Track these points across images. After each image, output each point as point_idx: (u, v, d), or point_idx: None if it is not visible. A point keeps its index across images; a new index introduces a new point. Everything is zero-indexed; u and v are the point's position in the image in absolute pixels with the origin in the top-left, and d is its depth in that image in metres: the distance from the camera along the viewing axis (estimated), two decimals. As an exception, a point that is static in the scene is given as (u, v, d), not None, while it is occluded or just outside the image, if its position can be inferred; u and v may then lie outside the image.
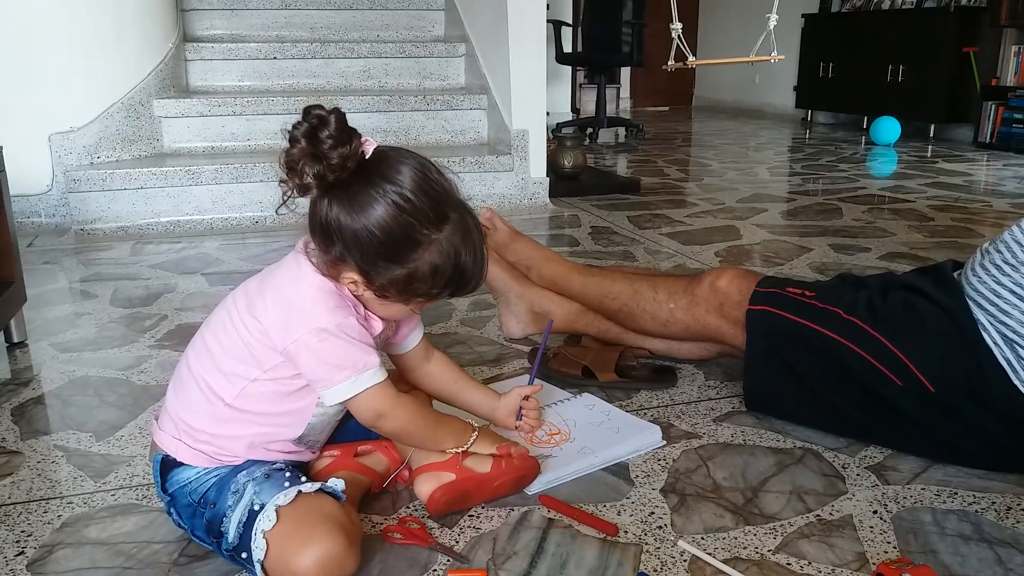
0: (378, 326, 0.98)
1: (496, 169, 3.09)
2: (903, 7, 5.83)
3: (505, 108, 3.18)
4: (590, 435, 1.24)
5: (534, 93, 3.13)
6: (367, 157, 0.89)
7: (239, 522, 0.90)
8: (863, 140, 5.36)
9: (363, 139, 0.89)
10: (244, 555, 0.89)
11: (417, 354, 1.12)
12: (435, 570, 0.94)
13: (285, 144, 0.87)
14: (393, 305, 0.96)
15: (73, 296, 2.07)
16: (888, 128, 5.09)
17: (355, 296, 0.95)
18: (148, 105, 3.00)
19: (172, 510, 0.98)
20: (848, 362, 1.20)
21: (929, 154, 4.70)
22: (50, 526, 1.04)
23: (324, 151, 0.85)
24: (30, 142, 2.75)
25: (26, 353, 1.66)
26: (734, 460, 1.19)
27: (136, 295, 2.04)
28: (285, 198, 0.89)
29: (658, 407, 1.38)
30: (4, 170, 1.62)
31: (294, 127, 0.86)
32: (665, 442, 1.24)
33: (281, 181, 0.88)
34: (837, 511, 1.06)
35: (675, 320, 1.42)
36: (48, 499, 1.10)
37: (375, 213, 0.87)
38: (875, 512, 1.05)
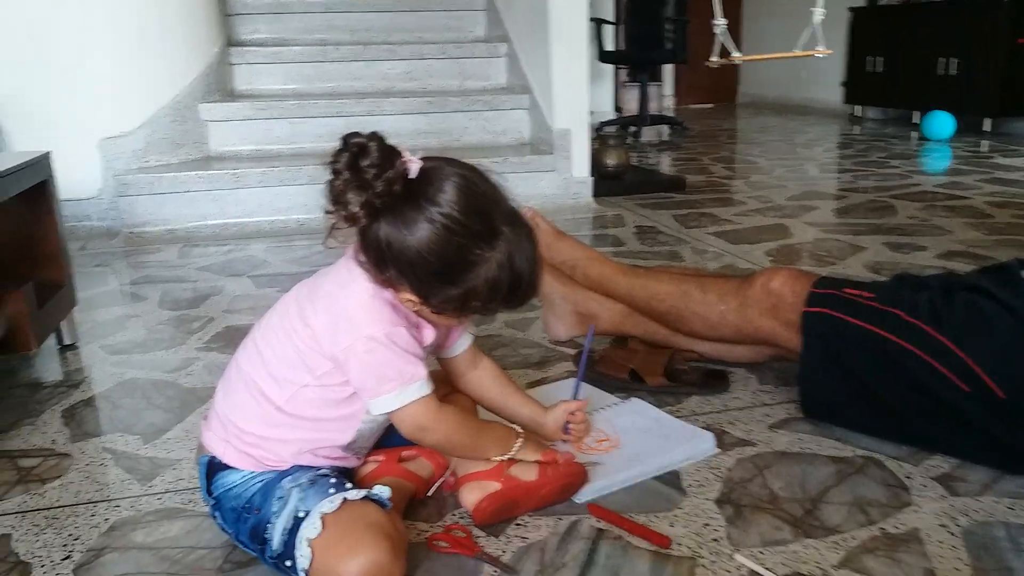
0: (429, 335, 0.97)
1: (538, 169, 3.07)
2: (956, -2, 5.66)
3: (547, 107, 3.15)
4: (640, 442, 1.20)
5: (576, 91, 3.10)
6: (412, 176, 0.87)
7: (284, 529, 0.89)
8: (914, 136, 5.21)
9: (405, 158, 0.87)
10: (288, 563, 0.88)
11: (465, 359, 1.10)
12: (483, 581, 0.92)
13: (328, 175, 0.86)
14: (443, 317, 0.95)
15: (122, 299, 2.10)
16: (942, 123, 4.94)
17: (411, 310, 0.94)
18: (194, 109, 3.03)
19: (217, 514, 0.97)
20: (910, 367, 1.15)
21: (985, 149, 4.55)
22: (97, 530, 1.04)
23: (368, 180, 0.84)
24: (80, 147, 2.79)
25: (77, 355, 1.68)
26: (792, 469, 1.15)
27: (184, 297, 2.05)
28: (333, 229, 0.88)
29: (710, 413, 1.33)
30: (53, 176, 1.64)
31: (334, 158, 0.85)
32: (719, 450, 1.20)
33: (326, 212, 0.87)
34: (902, 524, 1.01)
35: (726, 323, 1.38)
36: (95, 502, 1.11)
37: (426, 239, 0.86)
38: (943, 526, 1.00)
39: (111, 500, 1.11)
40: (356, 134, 0.86)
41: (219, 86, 3.21)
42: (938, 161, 4.20)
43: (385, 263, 0.88)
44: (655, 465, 1.14)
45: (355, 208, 0.84)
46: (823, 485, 1.10)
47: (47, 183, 1.62)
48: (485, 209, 0.88)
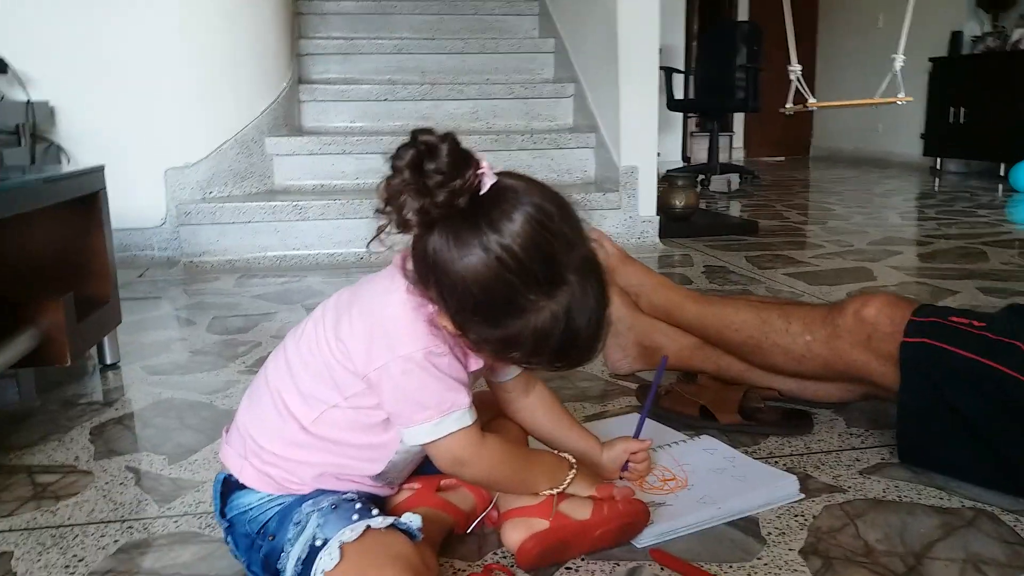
0: (476, 362, 0.84)
1: (603, 207, 2.96)
2: (1045, 47, 5.43)
3: (614, 145, 3.06)
4: (711, 483, 1.06)
5: (644, 128, 3.01)
6: (482, 192, 0.75)
7: (298, 559, 0.78)
8: (1000, 188, 4.95)
9: (480, 169, 0.75)
10: None
11: (516, 385, 0.97)
12: (524, 630, 0.79)
13: (386, 171, 0.75)
14: (486, 356, 0.83)
15: (172, 322, 2.05)
16: (1032, 173, 4.68)
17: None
18: (260, 143, 3.03)
19: (229, 538, 0.86)
20: (1031, 406, 0.99)
21: (1080, 201, 4.27)
22: (104, 551, 0.95)
23: (429, 187, 0.72)
24: (147, 177, 2.81)
25: (117, 374, 1.62)
26: (889, 519, 0.99)
27: (234, 323, 1.99)
28: (380, 231, 0.76)
29: (791, 455, 1.18)
30: (105, 189, 1.60)
31: (397, 153, 0.74)
32: (803, 495, 1.05)
33: (377, 211, 0.76)
34: (1029, 588, 0.84)
35: (812, 355, 1.23)
36: (108, 522, 1.01)
37: (474, 267, 0.73)
38: (1080, 592, 0.83)
39: (124, 521, 1.02)
40: (428, 130, 0.74)
41: (287, 121, 3.22)
42: (1030, 211, 3.95)
43: (428, 279, 0.77)
44: (729, 509, 0.99)
45: (408, 214, 0.73)
46: (927, 538, 0.94)
47: (99, 196, 1.58)
48: (553, 251, 0.75)
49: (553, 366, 0.80)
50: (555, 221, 0.75)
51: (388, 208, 0.74)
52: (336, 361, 0.83)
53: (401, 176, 0.73)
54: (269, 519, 0.83)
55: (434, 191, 0.72)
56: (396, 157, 0.74)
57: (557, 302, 0.75)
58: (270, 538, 0.82)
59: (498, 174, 0.76)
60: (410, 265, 0.79)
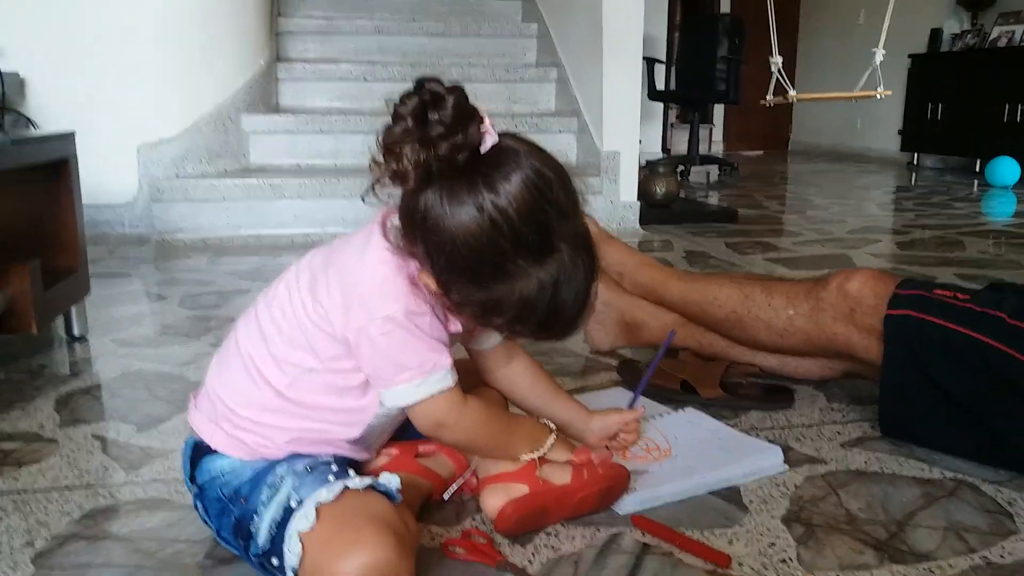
0: (455, 324, 0.81)
1: (584, 191, 2.94)
2: (1021, 44, 5.48)
3: (596, 130, 3.04)
4: (695, 453, 1.04)
5: (627, 114, 2.99)
6: (483, 151, 0.72)
7: (272, 521, 0.75)
8: (976, 183, 5.00)
9: (484, 127, 0.72)
10: (275, 561, 0.74)
11: (498, 354, 0.94)
12: (503, 593, 0.77)
13: (387, 120, 0.71)
14: (466, 319, 0.80)
15: (142, 298, 2.01)
16: (1007, 169, 4.72)
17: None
18: (237, 120, 2.98)
19: (199, 504, 0.83)
20: (1014, 377, 0.98)
21: (1054, 197, 4.32)
22: (68, 516, 0.91)
23: (432, 137, 0.69)
24: (119, 152, 2.75)
25: (85, 346, 1.58)
26: (871, 489, 0.98)
27: (206, 299, 1.95)
28: (375, 182, 0.73)
29: (772, 428, 1.17)
30: (75, 157, 1.56)
31: (401, 101, 0.70)
32: (787, 466, 1.03)
33: (373, 162, 0.72)
34: (1009, 554, 0.84)
35: (794, 329, 1.22)
36: (72, 488, 0.98)
37: (466, 225, 0.71)
38: (1063, 560, 0.83)
39: (90, 487, 0.99)
40: (435, 79, 0.71)
41: (264, 99, 3.16)
42: (1004, 205, 3.99)
43: (416, 235, 0.74)
44: (713, 478, 0.98)
45: (407, 165, 0.70)
46: (909, 507, 0.93)
47: (68, 163, 1.54)
48: (547, 219, 0.72)
49: (535, 336, 0.79)
50: (553, 189, 0.73)
51: (386, 159, 0.71)
52: (312, 323, 0.80)
53: (403, 124, 0.70)
54: (242, 483, 0.80)
55: (436, 143, 0.69)
56: (400, 104, 0.70)
57: (546, 271, 0.73)
58: (242, 502, 0.79)
59: (501, 135, 0.74)
60: (394, 222, 0.76)
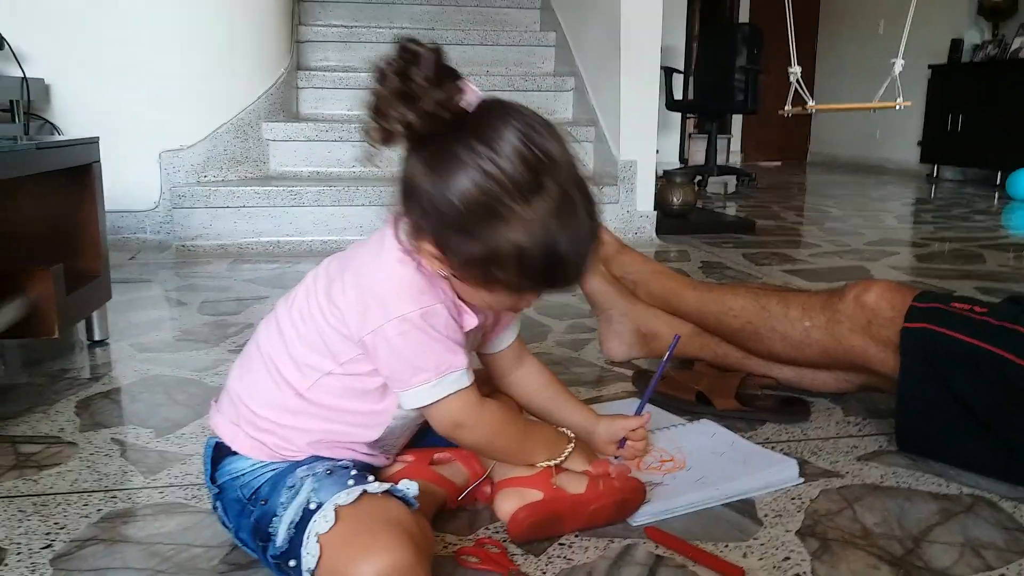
0: (472, 320, 0.82)
1: (601, 201, 2.94)
2: (1045, 56, 5.44)
3: (613, 139, 3.04)
4: (709, 465, 1.04)
5: (644, 123, 2.99)
6: (468, 109, 0.74)
7: (291, 523, 0.76)
8: (996, 195, 4.95)
9: (464, 86, 0.73)
10: (292, 563, 0.75)
11: (508, 357, 0.96)
12: (516, 603, 0.77)
13: (373, 84, 0.72)
14: (481, 292, 0.80)
15: (162, 303, 2.02)
16: (1029, 181, 4.68)
17: (443, 277, 0.80)
18: (257, 127, 3.01)
19: (219, 504, 0.84)
20: (1034, 392, 0.97)
21: (1076, 210, 4.28)
22: (86, 520, 0.92)
23: (416, 91, 0.71)
24: (141, 159, 2.78)
25: (105, 351, 1.59)
26: (887, 504, 0.97)
27: (226, 305, 1.97)
28: (372, 148, 0.74)
29: (788, 441, 1.17)
30: (99, 160, 1.58)
31: (384, 62, 0.72)
32: (802, 479, 1.03)
33: (364, 130, 0.73)
34: (1029, 574, 0.83)
35: (811, 341, 1.22)
36: (91, 492, 0.99)
37: (459, 178, 0.71)
38: (1082, 578, 0.82)
39: (108, 491, 1.00)
40: (414, 40, 0.72)
41: (284, 107, 3.19)
42: (1027, 218, 3.95)
43: (410, 200, 0.75)
44: (728, 491, 0.98)
45: (396, 124, 0.71)
46: (926, 523, 0.93)
47: (92, 168, 1.56)
48: (536, 160, 0.72)
49: (542, 286, 0.78)
50: (541, 135, 0.73)
51: (375, 119, 0.72)
52: (330, 326, 0.81)
53: (388, 84, 0.71)
54: (262, 484, 0.81)
55: (420, 97, 0.70)
56: (383, 62, 0.72)
57: (536, 209, 0.71)
58: (262, 503, 0.79)
59: (486, 96, 0.76)
60: (399, 209, 0.77)
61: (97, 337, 1.63)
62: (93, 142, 1.56)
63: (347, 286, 0.81)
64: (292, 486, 0.79)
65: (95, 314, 1.62)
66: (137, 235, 2.80)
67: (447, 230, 0.74)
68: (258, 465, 0.83)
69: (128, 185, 2.73)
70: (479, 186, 0.71)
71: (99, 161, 1.58)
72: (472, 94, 0.74)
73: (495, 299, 0.80)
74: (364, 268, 0.81)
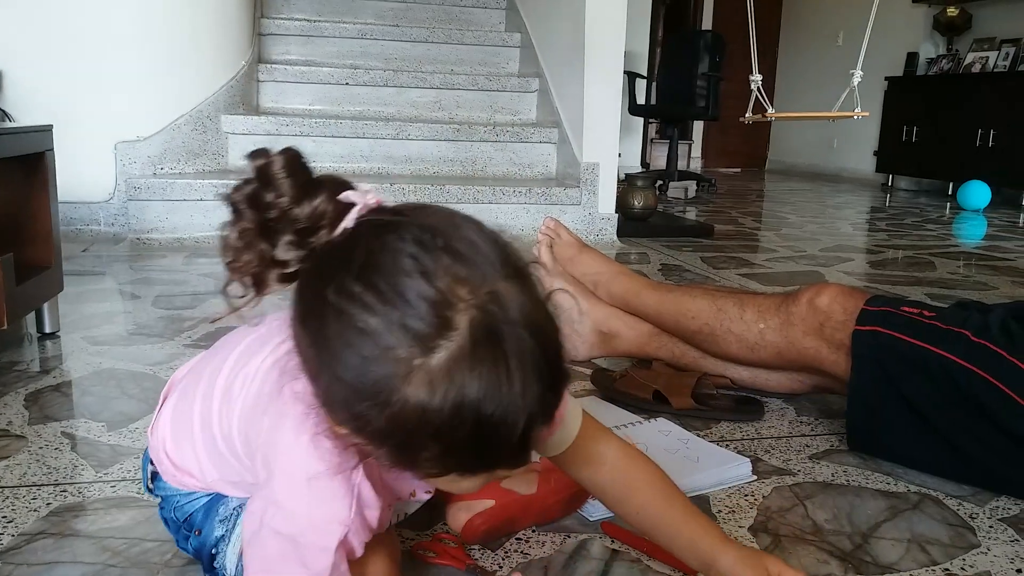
0: (373, 516, 0.63)
1: (563, 202, 2.96)
2: (995, 70, 5.60)
3: (576, 141, 3.07)
4: (664, 462, 1.04)
5: (607, 126, 3.01)
6: (344, 230, 0.57)
7: (239, 555, 0.71)
8: (948, 206, 5.09)
9: (342, 198, 0.57)
10: None
11: (575, 456, 0.75)
12: (472, 596, 0.77)
13: (225, 225, 0.58)
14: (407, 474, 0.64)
15: (115, 296, 1.99)
16: (978, 193, 4.81)
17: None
18: (216, 120, 2.97)
19: (160, 512, 0.81)
20: (978, 393, 1.00)
21: (1021, 221, 4.41)
22: (35, 514, 0.90)
23: (272, 225, 0.56)
24: (96, 150, 2.73)
25: (56, 343, 1.56)
26: (837, 501, 1.00)
27: (181, 299, 1.94)
28: (235, 300, 0.58)
29: (742, 440, 1.19)
30: (52, 148, 1.54)
31: (236, 188, 0.58)
32: (755, 476, 1.05)
33: (228, 268, 0.58)
34: (971, 567, 0.86)
35: (765, 343, 1.24)
36: (40, 485, 0.97)
37: (334, 334, 0.52)
38: (1019, 571, 0.85)
39: (59, 484, 0.98)
40: (263, 152, 0.58)
41: (244, 100, 3.15)
42: (975, 228, 4.06)
43: (299, 362, 0.56)
44: (681, 487, 0.98)
45: (257, 267, 0.56)
46: (874, 520, 0.95)
47: (45, 157, 1.53)
48: (439, 295, 0.51)
49: (482, 469, 0.55)
50: (452, 252, 0.52)
51: (234, 265, 0.57)
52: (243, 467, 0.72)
53: (243, 219, 0.57)
54: (195, 511, 0.76)
55: (277, 230, 0.56)
56: (234, 193, 0.58)
57: (440, 357, 0.50)
58: (196, 532, 0.76)
59: (369, 210, 0.57)
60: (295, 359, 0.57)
61: (48, 329, 1.60)
62: (46, 130, 1.53)
63: (256, 461, 0.66)
64: (225, 518, 0.74)
65: (46, 306, 1.58)
66: (91, 227, 2.74)
67: (330, 397, 0.55)
68: (188, 491, 0.77)
69: (82, 176, 2.67)
70: (362, 343, 0.51)
71: (52, 150, 1.55)
72: (354, 207, 0.57)
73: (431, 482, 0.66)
74: (271, 449, 0.63)
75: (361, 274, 0.52)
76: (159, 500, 0.81)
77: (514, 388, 0.51)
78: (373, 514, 0.62)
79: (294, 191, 0.56)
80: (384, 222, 0.55)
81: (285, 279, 0.57)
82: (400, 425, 0.51)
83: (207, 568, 0.75)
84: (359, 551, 0.63)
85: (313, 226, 0.56)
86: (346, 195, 0.57)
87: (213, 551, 0.74)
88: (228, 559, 0.73)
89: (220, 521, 0.74)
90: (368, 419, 0.52)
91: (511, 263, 0.54)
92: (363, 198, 0.57)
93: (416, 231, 0.53)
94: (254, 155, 0.57)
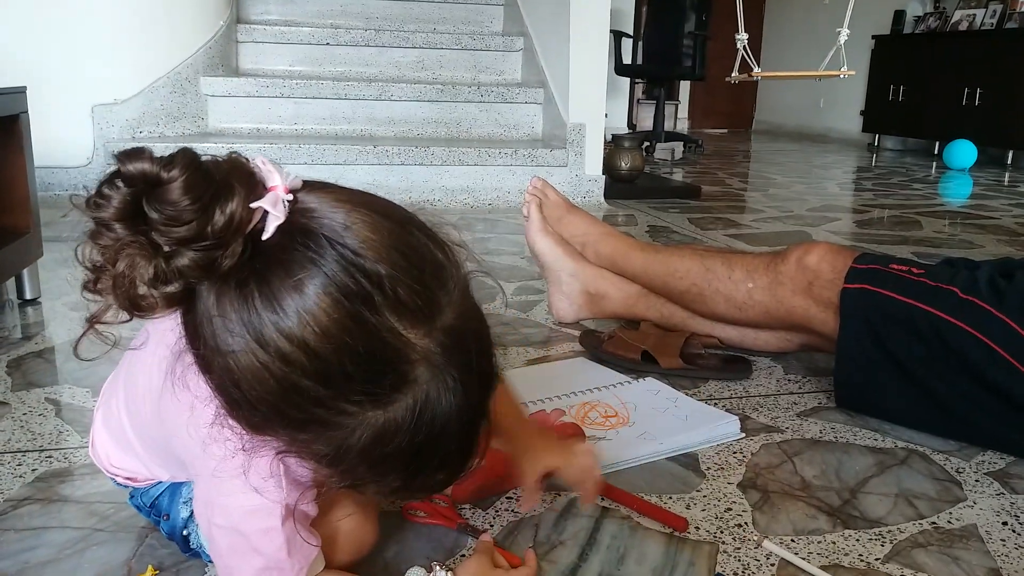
0: (307, 475, 0.61)
1: (549, 163, 2.94)
2: (981, 28, 5.57)
3: (562, 101, 3.03)
4: (653, 421, 1.06)
5: (593, 86, 2.98)
6: (263, 240, 0.49)
7: None
8: (934, 165, 5.09)
9: (259, 204, 0.49)
10: None
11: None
12: (463, 554, 0.77)
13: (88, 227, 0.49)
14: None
15: (98, 262, 1.96)
16: (964, 152, 4.82)
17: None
18: (195, 82, 2.91)
19: (130, 498, 0.79)
20: (966, 350, 1.00)
21: (1006, 180, 4.42)
22: (21, 480, 0.90)
23: (161, 243, 0.47)
24: (73, 113, 2.67)
25: (37, 310, 1.54)
26: (825, 457, 1.00)
27: (164, 264, 1.91)
28: (96, 319, 0.54)
29: (731, 398, 1.19)
30: (27, 111, 1.51)
31: (99, 194, 0.48)
32: (743, 434, 1.05)
33: (85, 287, 0.53)
34: (957, 520, 0.86)
35: (753, 302, 1.24)
36: (25, 451, 0.96)
37: (248, 367, 0.49)
38: (1005, 524, 0.86)
39: (44, 450, 0.97)
40: (139, 152, 0.47)
41: (223, 61, 3.09)
42: (961, 187, 4.07)
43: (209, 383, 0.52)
44: (671, 445, 0.99)
45: (140, 288, 0.48)
46: (862, 475, 0.96)
47: (19, 120, 1.49)
48: (380, 342, 0.48)
49: (407, 494, 0.61)
50: (383, 288, 0.48)
51: (100, 285, 0.50)
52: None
53: (111, 234, 0.47)
54: (160, 494, 0.75)
55: (172, 251, 0.47)
56: (96, 204, 0.47)
57: (399, 407, 0.49)
58: (165, 517, 0.75)
59: (298, 205, 0.50)
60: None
61: (28, 296, 1.57)
62: (20, 92, 1.49)
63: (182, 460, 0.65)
64: (189, 500, 0.72)
65: (25, 272, 1.56)
66: (69, 192, 2.70)
67: (268, 428, 0.53)
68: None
69: (59, 140, 2.62)
70: (291, 390, 0.49)
71: (27, 112, 1.51)
72: (273, 218, 0.49)
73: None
74: (185, 453, 0.63)
75: (281, 306, 0.48)
76: (127, 491, 0.78)
77: (459, 421, 0.52)
78: (306, 471, 0.59)
79: (193, 205, 0.46)
80: (316, 242, 0.49)
81: (171, 300, 0.50)
82: (339, 451, 0.51)
83: (184, 550, 0.75)
84: (313, 511, 0.63)
85: (220, 239, 0.47)
86: (274, 193, 0.49)
87: (185, 532, 0.74)
88: (202, 537, 0.71)
89: (184, 503, 0.73)
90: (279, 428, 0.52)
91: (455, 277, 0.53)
92: (275, 205, 0.49)
93: (352, 259, 0.48)
94: (130, 155, 0.47)
